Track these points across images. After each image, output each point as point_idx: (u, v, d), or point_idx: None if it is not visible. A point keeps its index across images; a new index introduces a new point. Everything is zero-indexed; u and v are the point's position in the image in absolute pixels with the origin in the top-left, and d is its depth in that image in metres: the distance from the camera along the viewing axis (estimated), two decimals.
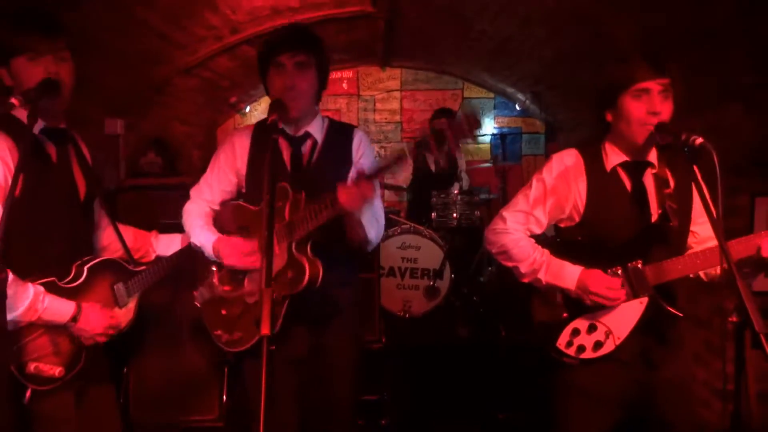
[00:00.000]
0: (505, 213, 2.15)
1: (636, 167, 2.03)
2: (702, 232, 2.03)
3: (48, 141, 2.01)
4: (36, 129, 1.89)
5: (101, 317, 2.03)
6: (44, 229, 1.97)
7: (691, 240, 2.06)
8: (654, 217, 2.00)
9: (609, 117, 2.02)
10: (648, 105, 1.89)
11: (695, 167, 1.99)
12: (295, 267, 1.99)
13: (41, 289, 1.91)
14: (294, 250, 2.01)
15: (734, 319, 2.21)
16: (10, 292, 1.76)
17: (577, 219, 2.08)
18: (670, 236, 1.99)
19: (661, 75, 1.89)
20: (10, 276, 1.79)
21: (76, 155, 2.13)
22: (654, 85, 1.89)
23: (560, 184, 2.07)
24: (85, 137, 2.25)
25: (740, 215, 2.98)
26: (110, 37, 3.45)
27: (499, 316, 4.82)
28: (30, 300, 1.85)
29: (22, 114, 1.88)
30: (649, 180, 2.04)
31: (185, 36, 4.06)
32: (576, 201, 2.06)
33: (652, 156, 2.03)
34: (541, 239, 2.14)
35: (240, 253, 2.09)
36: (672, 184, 2.00)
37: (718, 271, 1.94)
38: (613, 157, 2.04)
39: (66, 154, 2.08)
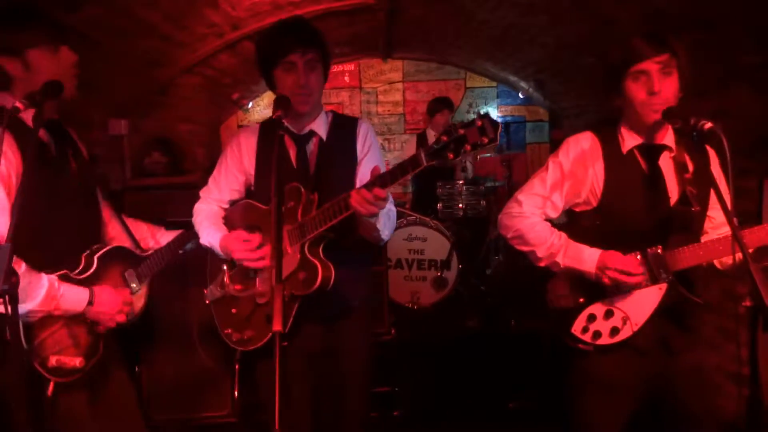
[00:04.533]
0: (521, 196, 2.11)
1: (651, 150, 1.99)
2: (718, 217, 1.99)
3: (46, 134, 2.02)
4: (30, 120, 1.87)
5: (115, 296, 2.07)
6: (50, 220, 1.98)
7: (707, 225, 2.03)
8: (673, 202, 1.97)
9: (617, 102, 1.99)
10: (648, 85, 1.86)
11: (713, 151, 1.96)
12: (308, 268, 1.98)
13: (54, 277, 1.94)
14: (307, 251, 1.99)
15: (748, 303, 2.18)
16: (23, 282, 1.78)
17: (594, 203, 2.04)
18: (690, 221, 1.95)
19: (657, 52, 1.85)
20: (23, 266, 1.83)
21: (70, 146, 2.13)
22: (650, 65, 1.85)
23: (577, 167, 2.03)
24: (89, 138, 2.26)
25: (748, 198, 2.96)
26: (112, 38, 3.44)
27: (508, 305, 4.82)
28: (46, 288, 1.88)
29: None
30: (667, 163, 1.99)
31: (187, 35, 4.05)
32: (593, 185, 2.03)
33: (669, 139, 1.99)
34: (554, 225, 2.10)
35: (247, 247, 2.07)
36: (691, 168, 1.96)
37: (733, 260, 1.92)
38: (629, 140, 2.00)
39: (63, 146, 2.09)
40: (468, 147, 1.63)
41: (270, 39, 2.12)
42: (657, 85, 1.85)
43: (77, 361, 1.98)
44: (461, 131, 1.63)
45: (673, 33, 1.89)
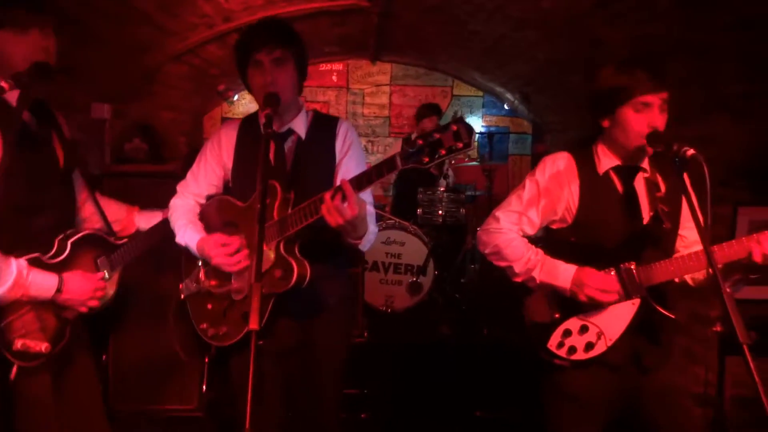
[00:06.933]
0: (498, 213, 2.15)
1: (628, 171, 2.05)
2: (690, 236, 2.06)
3: (29, 114, 1.99)
4: (14, 100, 1.86)
5: (86, 283, 2.05)
6: (26, 201, 1.96)
7: (679, 244, 2.09)
8: (645, 220, 2.03)
9: (605, 123, 2.03)
10: (649, 119, 1.91)
11: (685, 175, 2.02)
12: (284, 266, 1.97)
13: (24, 263, 1.92)
14: (282, 249, 1.99)
15: (718, 328, 2.22)
16: None
17: (570, 221, 2.09)
18: (662, 239, 2.01)
19: (663, 89, 1.91)
20: None
21: (54, 127, 2.11)
22: (655, 99, 1.90)
23: (553, 186, 2.08)
24: (71, 121, 2.23)
25: (723, 224, 3.03)
26: (103, 23, 3.39)
27: (481, 314, 4.85)
28: (15, 276, 1.87)
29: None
30: (640, 184, 2.06)
31: (177, 23, 4.01)
32: (569, 203, 2.08)
33: (644, 161, 2.06)
34: (532, 241, 2.14)
35: (225, 252, 2.06)
36: (663, 188, 2.02)
37: (705, 275, 1.96)
38: (606, 160, 2.06)
39: (45, 125, 2.06)
40: (443, 151, 1.64)
41: (240, 40, 2.14)
42: (659, 121, 1.90)
43: (43, 346, 1.97)
44: (436, 135, 1.65)
45: (665, 63, 1.94)
